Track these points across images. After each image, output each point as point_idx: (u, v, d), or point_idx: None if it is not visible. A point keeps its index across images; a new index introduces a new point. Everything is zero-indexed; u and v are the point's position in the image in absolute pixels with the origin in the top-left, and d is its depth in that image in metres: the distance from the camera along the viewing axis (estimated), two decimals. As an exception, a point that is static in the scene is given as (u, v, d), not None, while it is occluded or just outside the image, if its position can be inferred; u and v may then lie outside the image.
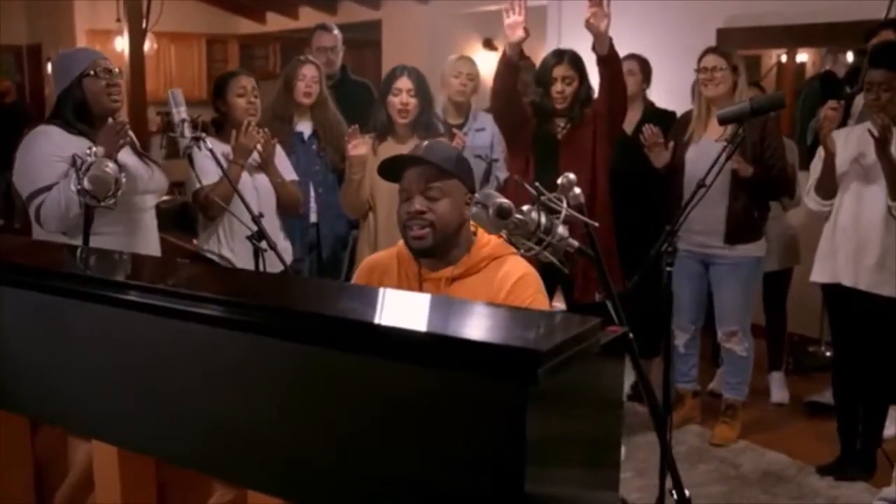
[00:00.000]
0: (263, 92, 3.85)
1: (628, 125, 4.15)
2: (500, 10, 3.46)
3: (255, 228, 2.93)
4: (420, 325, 1.21)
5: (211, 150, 2.95)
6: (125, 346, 1.46)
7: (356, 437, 1.19)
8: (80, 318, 1.52)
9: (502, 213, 1.49)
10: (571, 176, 1.55)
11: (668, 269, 2.99)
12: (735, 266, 3.93)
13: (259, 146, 3.49)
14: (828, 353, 4.65)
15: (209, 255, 3.51)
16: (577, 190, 1.54)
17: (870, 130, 3.20)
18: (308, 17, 8.59)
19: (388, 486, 1.18)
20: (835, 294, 3.59)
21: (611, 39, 3.45)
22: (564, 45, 4.16)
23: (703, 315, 4.14)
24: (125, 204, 2.96)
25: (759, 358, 4.34)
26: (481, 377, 1.08)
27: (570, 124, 3.71)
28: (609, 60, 3.50)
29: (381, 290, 1.38)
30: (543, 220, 1.49)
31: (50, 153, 2.87)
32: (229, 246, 3.52)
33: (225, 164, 3.37)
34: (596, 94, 3.73)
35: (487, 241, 2.19)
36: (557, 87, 3.66)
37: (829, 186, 3.50)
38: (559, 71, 3.67)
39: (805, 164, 3.92)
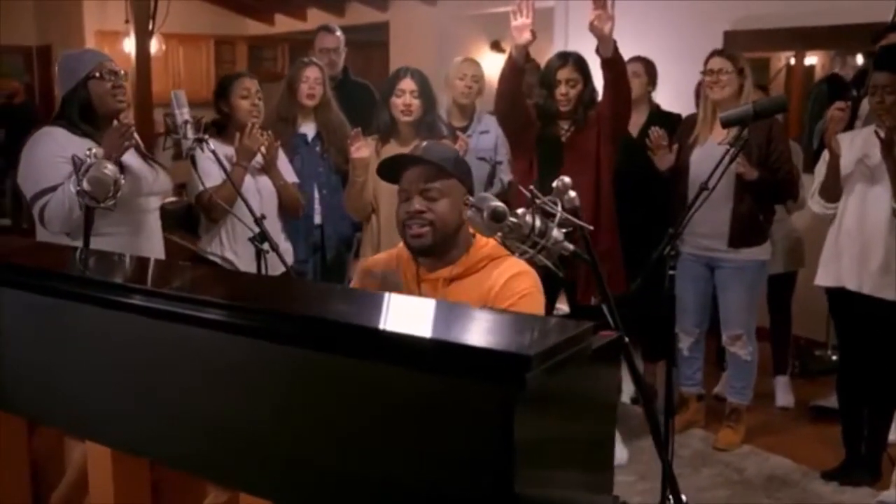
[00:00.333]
0: (272, 94, 3.86)
1: (633, 127, 4.14)
2: (507, 11, 3.45)
3: (257, 230, 2.93)
4: (413, 329, 1.20)
5: (214, 152, 2.96)
6: (121, 348, 1.46)
7: (348, 439, 1.19)
8: (76, 319, 1.53)
9: (497, 217, 1.49)
10: (567, 179, 1.54)
11: (671, 272, 2.98)
12: (740, 269, 3.92)
13: (262, 148, 3.49)
14: (834, 357, 4.63)
15: (211, 258, 3.52)
16: (573, 193, 1.53)
17: (876, 132, 3.19)
18: (316, 18, 8.60)
19: (380, 488, 1.18)
20: (839, 298, 3.57)
21: (615, 42, 3.44)
22: (571, 47, 4.15)
23: (707, 318, 4.12)
24: (129, 205, 2.97)
25: (764, 361, 4.32)
26: (471, 381, 1.07)
27: (573, 127, 3.70)
28: (613, 63, 3.48)
29: (376, 293, 1.38)
30: (538, 223, 1.48)
31: (54, 154, 2.88)
32: (232, 248, 3.53)
33: (228, 167, 3.38)
34: (600, 97, 3.72)
35: (486, 242, 2.19)
36: (561, 89, 3.65)
37: (833, 189, 3.49)
38: (563, 73, 3.66)
39: (810, 167, 3.90)
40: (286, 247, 3.69)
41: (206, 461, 1.39)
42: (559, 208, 1.52)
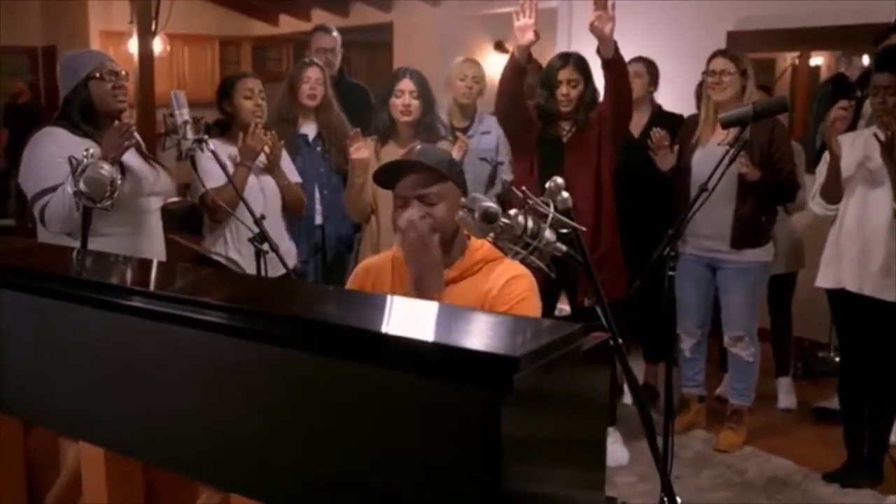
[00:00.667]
0: (276, 94, 3.86)
1: (635, 128, 4.14)
2: (511, 12, 3.45)
3: (256, 231, 2.93)
4: (400, 330, 1.20)
5: (214, 153, 2.96)
6: (115, 349, 1.46)
7: (339, 441, 1.19)
8: (71, 320, 1.53)
9: (488, 218, 1.49)
10: (559, 180, 1.54)
11: (671, 273, 2.98)
12: (742, 271, 3.91)
13: (266, 148, 3.50)
14: (837, 359, 4.61)
15: (216, 258, 3.53)
16: (566, 194, 1.53)
17: (875, 135, 3.18)
18: (320, 19, 8.60)
19: (371, 489, 1.18)
20: (840, 299, 3.57)
21: (615, 43, 3.44)
22: (574, 48, 4.15)
23: (709, 319, 4.12)
24: (130, 206, 2.98)
25: (766, 363, 4.31)
26: (460, 383, 1.07)
27: (575, 127, 3.69)
28: (614, 64, 3.48)
29: (367, 295, 1.37)
30: (530, 224, 1.48)
31: (55, 154, 2.89)
32: (236, 248, 3.54)
33: (230, 167, 3.39)
34: (601, 98, 3.72)
35: (481, 244, 2.18)
36: (562, 90, 3.65)
37: (834, 190, 3.48)
38: (564, 74, 3.65)
39: (813, 168, 3.89)
40: (290, 246, 3.70)
41: (200, 463, 1.39)
42: (551, 209, 1.51)
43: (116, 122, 3.00)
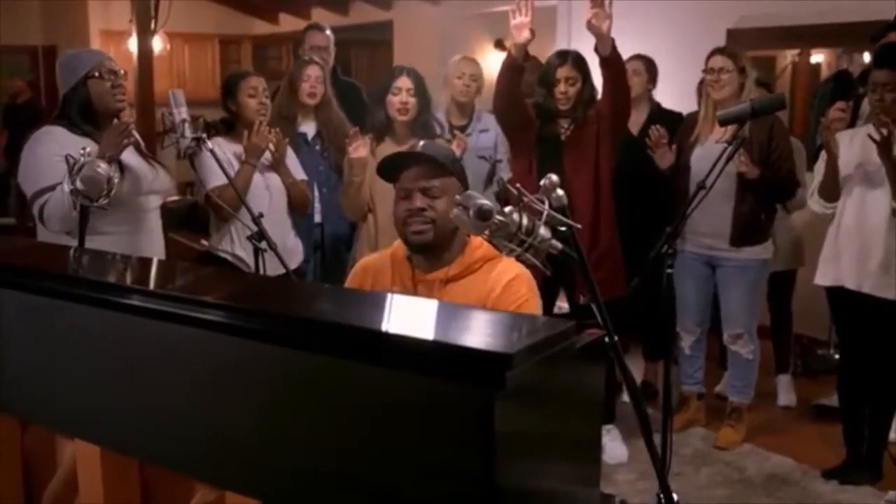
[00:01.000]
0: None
1: (634, 126, 4.14)
2: (509, 10, 3.45)
3: (255, 228, 2.94)
4: (396, 328, 1.21)
5: (212, 151, 2.97)
6: (112, 348, 1.46)
7: (332, 439, 1.20)
8: (68, 319, 1.53)
9: (483, 215, 1.49)
10: (554, 177, 1.54)
11: (669, 270, 2.98)
12: (742, 268, 3.91)
13: (271, 146, 3.52)
14: (836, 356, 4.61)
15: (222, 255, 3.54)
16: (561, 191, 1.53)
17: (870, 135, 3.18)
18: (320, 17, 8.60)
19: (366, 486, 1.18)
20: (839, 297, 3.57)
21: (613, 40, 3.44)
22: (574, 46, 4.15)
23: (709, 317, 4.12)
24: (129, 204, 2.98)
25: (766, 360, 4.31)
26: (453, 380, 1.08)
27: (573, 125, 3.70)
28: (611, 62, 3.48)
29: (362, 292, 1.38)
30: (525, 221, 1.48)
31: (54, 153, 2.89)
32: (242, 245, 3.55)
33: (228, 166, 3.41)
34: (600, 95, 3.72)
35: (480, 242, 2.19)
36: (561, 88, 3.65)
37: (832, 189, 3.48)
38: (562, 72, 3.65)
39: (812, 166, 3.89)
40: (296, 243, 3.73)
41: (198, 461, 1.40)
42: (546, 206, 1.51)
43: (115, 121, 3.00)
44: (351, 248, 4.19)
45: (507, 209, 1.50)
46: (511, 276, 2.15)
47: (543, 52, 5.01)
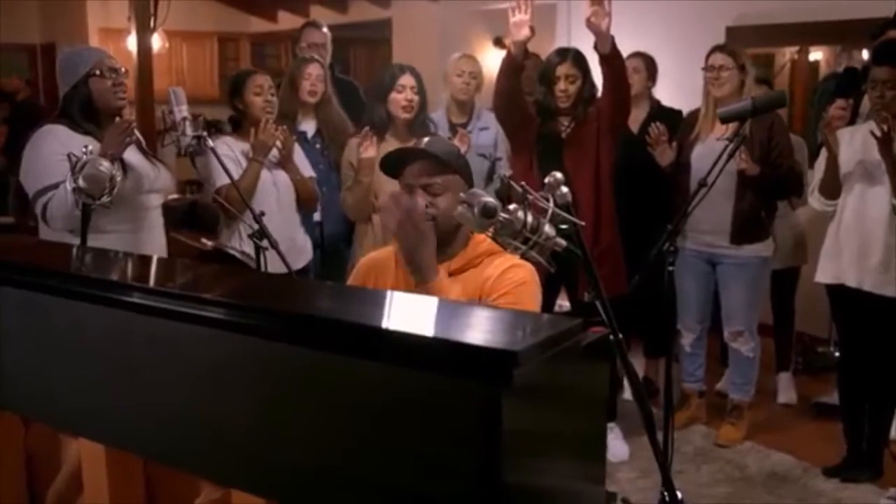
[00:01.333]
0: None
1: (634, 123, 4.14)
2: (508, 7, 3.44)
3: (256, 227, 2.94)
4: (399, 325, 1.20)
5: (213, 150, 2.97)
6: (115, 346, 1.46)
7: (337, 436, 1.20)
8: (71, 316, 1.53)
9: (487, 213, 1.49)
10: (559, 175, 1.54)
11: (670, 268, 2.98)
12: (742, 266, 3.91)
13: (278, 143, 3.53)
14: (837, 354, 4.61)
15: (232, 252, 3.56)
16: (565, 189, 1.53)
17: (871, 132, 3.18)
18: (319, 15, 8.57)
19: (371, 484, 1.18)
20: (839, 295, 3.57)
21: (612, 38, 3.44)
22: (574, 44, 4.14)
23: (709, 315, 4.12)
24: (131, 203, 2.98)
25: (766, 358, 4.32)
26: (459, 377, 1.08)
27: (573, 123, 3.70)
28: (611, 59, 3.48)
29: (369, 290, 1.38)
30: (530, 219, 1.48)
31: (56, 152, 2.90)
32: (250, 242, 3.56)
33: (236, 164, 3.42)
34: (600, 93, 3.71)
35: (484, 238, 2.18)
36: (561, 85, 3.65)
37: (832, 186, 3.48)
38: (562, 69, 3.65)
39: (813, 163, 3.89)
40: (305, 240, 3.76)
41: (200, 459, 1.40)
42: (551, 204, 1.51)
43: (117, 119, 3.00)
44: (350, 245, 4.19)
45: (512, 207, 1.50)
46: (510, 264, 2.14)
47: (543, 49, 5.01)
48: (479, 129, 4.22)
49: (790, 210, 4.33)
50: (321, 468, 1.22)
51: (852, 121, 3.78)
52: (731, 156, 2.99)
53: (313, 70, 3.98)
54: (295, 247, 3.63)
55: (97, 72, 3.01)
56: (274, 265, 3.06)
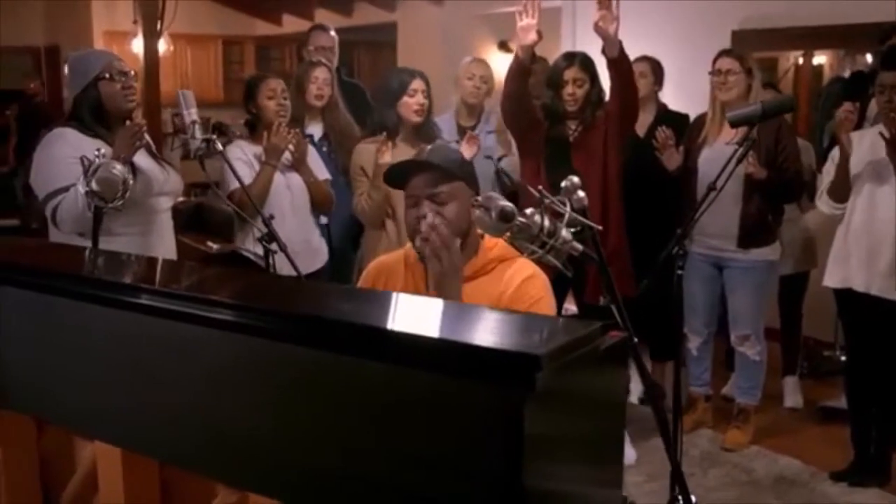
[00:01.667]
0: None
1: (640, 127, 4.14)
2: (515, 12, 3.45)
3: (265, 230, 2.94)
4: (420, 328, 1.20)
5: (222, 153, 2.98)
6: (131, 348, 1.46)
7: (359, 440, 1.20)
8: (85, 319, 1.53)
9: (505, 217, 1.49)
10: (575, 179, 1.54)
11: (679, 272, 2.98)
12: (749, 270, 3.91)
13: (291, 146, 3.55)
14: (842, 358, 4.62)
15: (246, 254, 3.58)
16: (581, 193, 1.53)
17: (881, 133, 3.18)
18: (324, 19, 8.60)
19: (389, 489, 1.18)
20: (847, 298, 3.57)
21: (620, 42, 3.44)
22: (579, 47, 4.15)
23: (716, 318, 4.12)
24: (141, 206, 2.99)
25: (772, 362, 4.31)
26: (481, 381, 1.08)
27: (581, 126, 3.70)
28: (619, 63, 3.49)
29: (382, 293, 1.38)
30: (547, 223, 1.48)
31: (66, 155, 2.90)
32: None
33: (250, 167, 3.43)
34: (607, 97, 3.72)
35: (495, 243, 2.19)
36: (568, 89, 3.65)
37: (842, 189, 3.47)
38: (570, 73, 3.66)
39: (821, 167, 3.90)
40: (321, 243, 3.79)
41: (215, 461, 1.40)
42: (568, 208, 1.52)
43: (128, 123, 3.01)
44: (356, 248, 4.19)
45: (529, 211, 1.50)
46: (525, 275, 2.14)
47: (548, 52, 5.02)
48: (487, 133, 4.22)
49: (799, 214, 4.33)
50: (342, 473, 1.22)
51: (859, 125, 3.78)
52: (740, 160, 2.98)
53: (320, 74, 3.99)
54: (310, 249, 3.64)
55: (107, 75, 3.02)
56: (289, 267, 3.06)
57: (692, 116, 4.22)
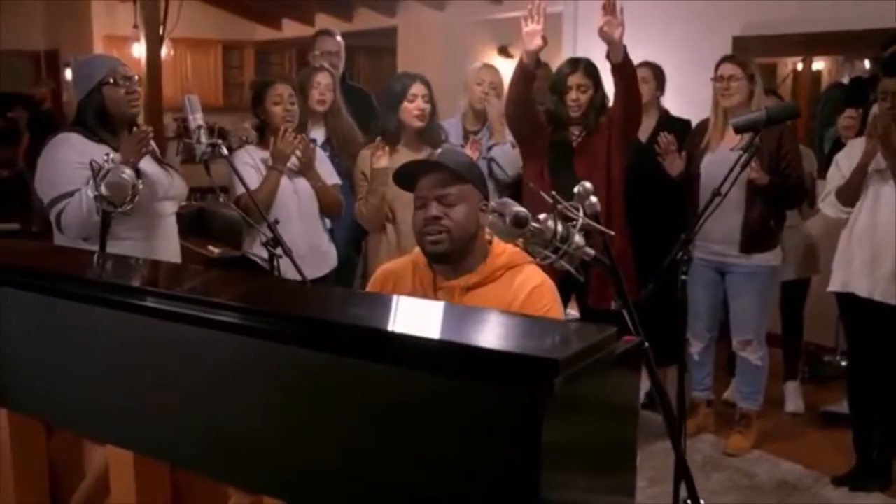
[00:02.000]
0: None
1: (642, 133, 4.15)
2: (515, 17, 3.46)
3: (270, 235, 2.94)
4: (437, 333, 1.21)
5: (227, 158, 2.98)
6: (141, 352, 1.47)
7: (371, 444, 1.20)
8: (94, 322, 1.54)
9: (519, 222, 1.50)
10: (588, 185, 1.55)
11: (683, 277, 2.98)
12: (751, 275, 3.92)
13: (298, 151, 3.55)
14: (843, 363, 4.63)
15: (254, 258, 3.58)
16: (594, 199, 1.54)
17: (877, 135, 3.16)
18: (324, 24, 8.61)
19: (404, 493, 1.18)
20: (849, 303, 3.57)
21: (625, 48, 3.45)
22: (580, 52, 4.15)
23: (718, 324, 4.12)
24: (146, 210, 2.99)
25: (774, 367, 4.32)
26: (499, 386, 1.08)
27: (585, 132, 3.71)
28: (623, 68, 3.50)
29: (397, 297, 1.38)
30: (560, 228, 1.49)
31: (71, 160, 2.91)
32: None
33: (257, 172, 3.44)
34: (611, 102, 3.73)
35: (503, 249, 2.19)
36: (572, 95, 3.66)
37: (854, 192, 3.45)
38: (574, 79, 3.67)
39: (823, 173, 3.90)
40: (329, 247, 3.78)
41: (220, 462, 1.40)
42: (581, 213, 1.52)
43: (135, 128, 3.02)
44: (360, 252, 4.19)
45: (542, 216, 1.50)
46: (534, 284, 2.15)
47: (550, 57, 5.03)
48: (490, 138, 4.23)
49: (801, 220, 4.34)
50: (356, 477, 1.22)
51: (861, 131, 3.79)
52: (744, 166, 2.99)
53: (322, 79, 4.00)
54: (318, 253, 3.63)
55: (111, 80, 3.02)
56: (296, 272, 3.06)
57: (694, 122, 4.23)
